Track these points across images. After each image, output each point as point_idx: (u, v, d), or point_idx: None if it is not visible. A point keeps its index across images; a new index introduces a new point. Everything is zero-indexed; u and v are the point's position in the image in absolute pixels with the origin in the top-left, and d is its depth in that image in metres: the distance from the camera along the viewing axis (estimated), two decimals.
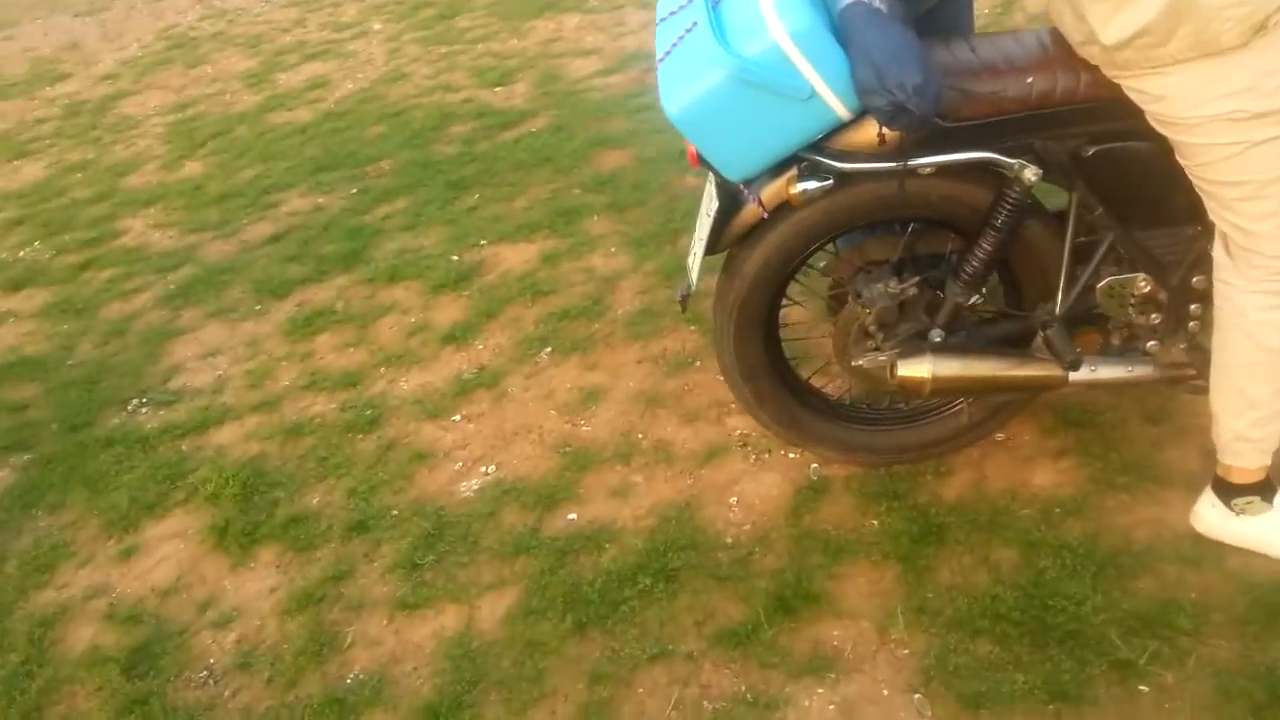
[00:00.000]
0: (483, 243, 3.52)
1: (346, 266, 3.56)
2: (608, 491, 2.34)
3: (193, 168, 4.79)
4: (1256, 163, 1.60)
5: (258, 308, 3.43)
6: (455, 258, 3.46)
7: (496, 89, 4.95)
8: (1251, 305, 1.70)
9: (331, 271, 3.55)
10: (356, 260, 3.59)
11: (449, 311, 3.17)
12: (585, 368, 2.78)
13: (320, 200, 4.13)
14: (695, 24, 1.73)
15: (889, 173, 1.77)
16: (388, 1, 6.93)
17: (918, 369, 1.92)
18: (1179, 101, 1.61)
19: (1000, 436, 2.24)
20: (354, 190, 4.15)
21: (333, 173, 4.37)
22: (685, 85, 1.70)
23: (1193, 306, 1.93)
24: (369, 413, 2.77)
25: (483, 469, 2.49)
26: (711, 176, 1.93)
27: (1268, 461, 1.81)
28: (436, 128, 4.61)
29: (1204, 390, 1.90)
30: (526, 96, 4.77)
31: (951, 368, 1.91)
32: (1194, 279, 1.90)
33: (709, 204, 1.96)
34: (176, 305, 3.55)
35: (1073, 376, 1.91)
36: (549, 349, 2.88)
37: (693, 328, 2.81)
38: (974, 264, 1.89)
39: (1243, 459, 1.81)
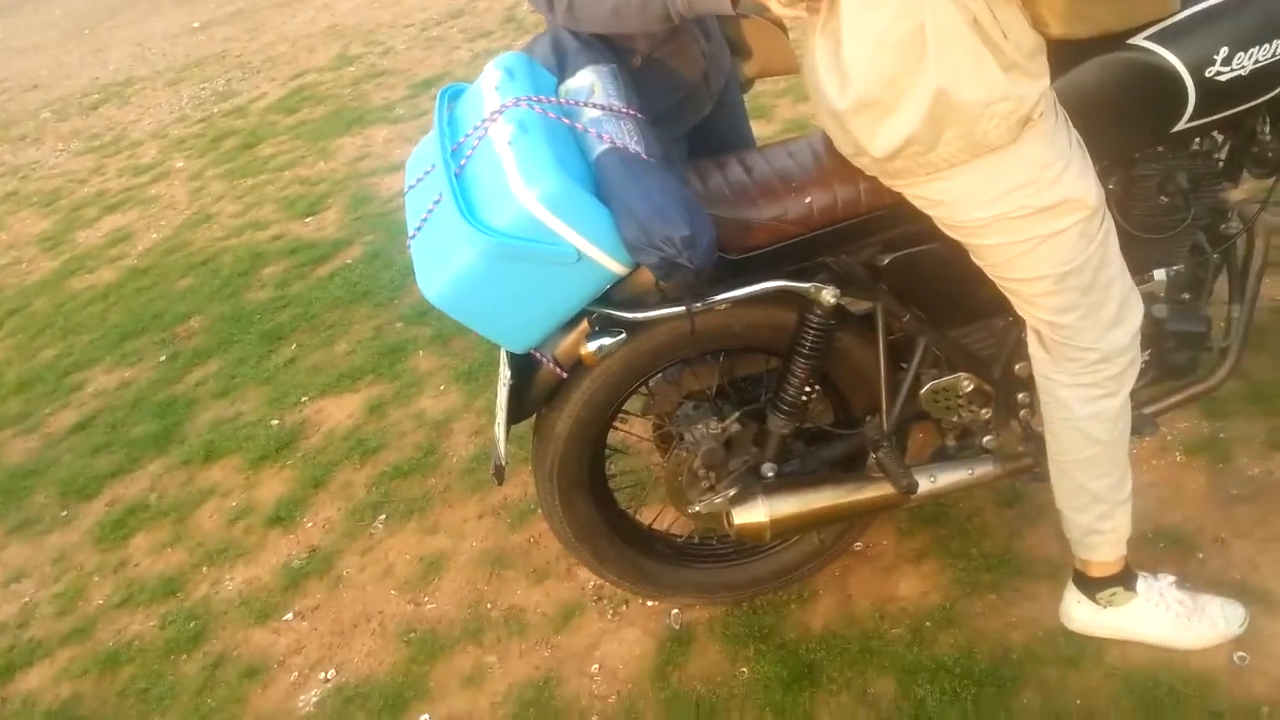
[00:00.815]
0: (304, 400, 3.29)
1: (159, 449, 3.28)
2: (461, 680, 2.14)
3: None
4: (1049, 257, 1.53)
5: (64, 514, 3.11)
6: (275, 422, 3.22)
7: (307, 220, 4.73)
8: (1076, 399, 1.63)
9: (143, 458, 3.26)
10: (169, 440, 3.31)
11: (273, 487, 2.92)
12: (424, 532, 2.58)
13: (127, 374, 3.83)
14: (441, 196, 1.58)
15: (680, 316, 1.66)
16: (188, 135, 6.64)
17: (754, 514, 1.79)
18: (960, 205, 1.53)
19: (858, 546, 2.13)
20: (163, 357, 3.86)
21: (139, 339, 4.07)
22: (439, 266, 1.54)
23: (1020, 395, 1.86)
24: (192, 625, 2.50)
25: (322, 675, 2.25)
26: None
27: (1123, 551, 1.73)
28: (247, 272, 4.36)
29: (1043, 477, 1.82)
30: (339, 224, 4.56)
31: (788, 506, 1.79)
32: (1016, 367, 1.84)
33: (503, 372, 1.81)
34: None
35: (913, 494, 1.81)
36: (383, 516, 2.67)
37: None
38: (791, 392, 1.78)
39: (1097, 553, 1.73)
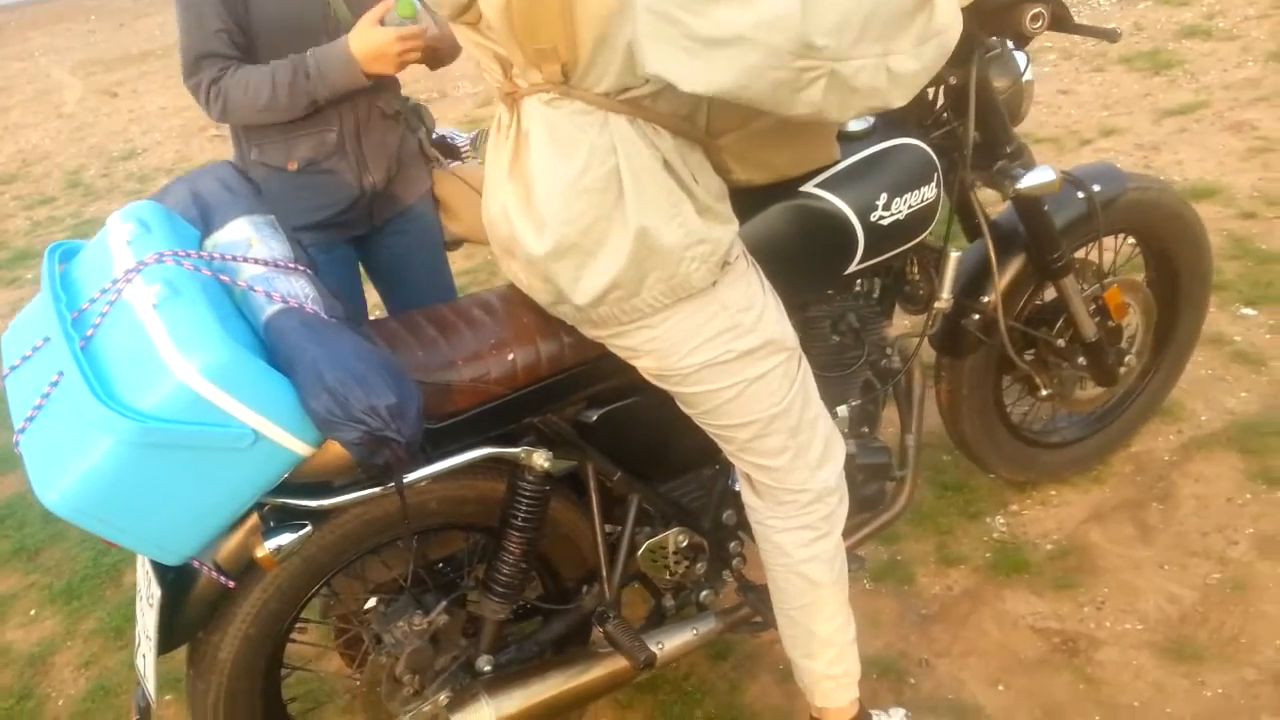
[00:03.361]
0: None
1: None
2: None
3: None
4: (756, 401, 1.50)
5: None
6: None
7: None
8: (793, 543, 1.59)
9: None
10: None
11: None
12: None
13: None
14: (61, 375, 1.25)
15: (379, 497, 1.44)
16: None
17: (479, 718, 1.55)
18: (666, 354, 1.46)
19: None
20: None
21: None
22: (62, 463, 1.20)
23: (731, 544, 1.82)
24: None
25: None
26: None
27: (856, 694, 1.70)
28: None
29: (764, 627, 1.78)
30: None
31: (516, 701, 1.57)
32: (724, 515, 1.79)
33: (147, 588, 1.46)
34: None
35: (653, 666, 1.67)
36: None
37: (169, 696, 2.18)
38: (505, 572, 1.59)
39: (832, 699, 1.68)
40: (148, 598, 1.45)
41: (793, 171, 1.60)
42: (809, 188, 1.63)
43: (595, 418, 1.61)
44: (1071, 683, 1.91)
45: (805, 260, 1.66)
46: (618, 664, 1.66)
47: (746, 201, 1.56)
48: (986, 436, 2.23)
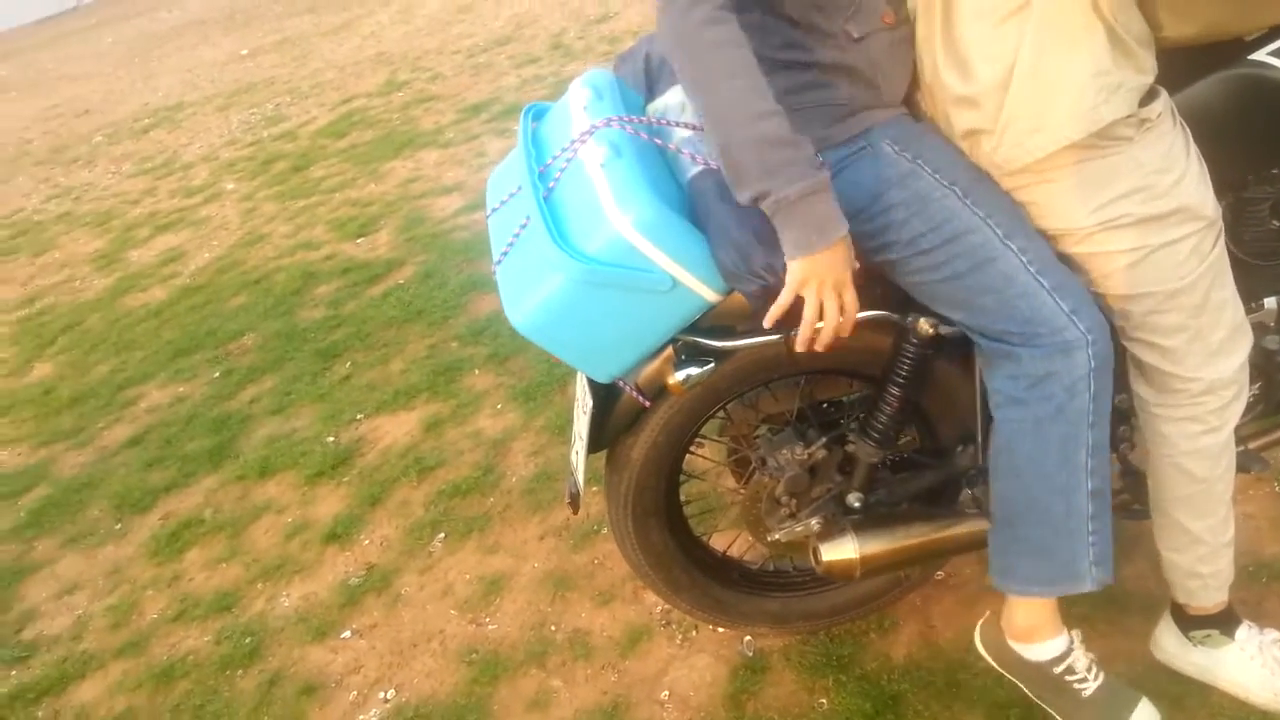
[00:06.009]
0: (359, 417, 3.28)
1: (214, 465, 3.27)
2: (525, 704, 2.09)
3: (42, 370, 4.44)
4: (1156, 271, 1.45)
5: (118, 527, 3.10)
6: (331, 439, 3.20)
7: (359, 240, 4.74)
8: (1178, 434, 1.56)
9: (197, 473, 3.25)
10: (224, 456, 3.30)
11: (329, 504, 2.90)
12: (484, 551, 2.54)
13: (181, 390, 3.84)
14: (529, 219, 1.54)
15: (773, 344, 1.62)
16: (239, 159, 6.71)
17: (843, 551, 1.72)
18: (1066, 210, 1.45)
19: (940, 575, 2.07)
20: (216, 374, 3.87)
21: (192, 356, 4.08)
22: (526, 292, 1.49)
23: (1120, 429, 1.79)
24: (248, 641, 2.47)
25: (381, 695, 2.21)
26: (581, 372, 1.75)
27: (1224, 597, 1.65)
28: (300, 291, 4.38)
29: (1142, 514, 1.76)
30: (391, 245, 4.57)
31: (879, 543, 1.72)
32: (1116, 399, 1.77)
33: (584, 399, 1.77)
34: (28, 536, 3.20)
35: None
36: (442, 535, 2.64)
37: (594, 488, 2.59)
38: (883, 421, 1.73)
39: (1197, 598, 1.66)
40: (583, 407, 1.77)
41: (1234, 27, 1.46)
42: (1261, 55, 1.51)
43: None
44: None
45: (1243, 135, 1.56)
46: (980, 525, 1.74)
47: (1186, 65, 1.49)
48: None
